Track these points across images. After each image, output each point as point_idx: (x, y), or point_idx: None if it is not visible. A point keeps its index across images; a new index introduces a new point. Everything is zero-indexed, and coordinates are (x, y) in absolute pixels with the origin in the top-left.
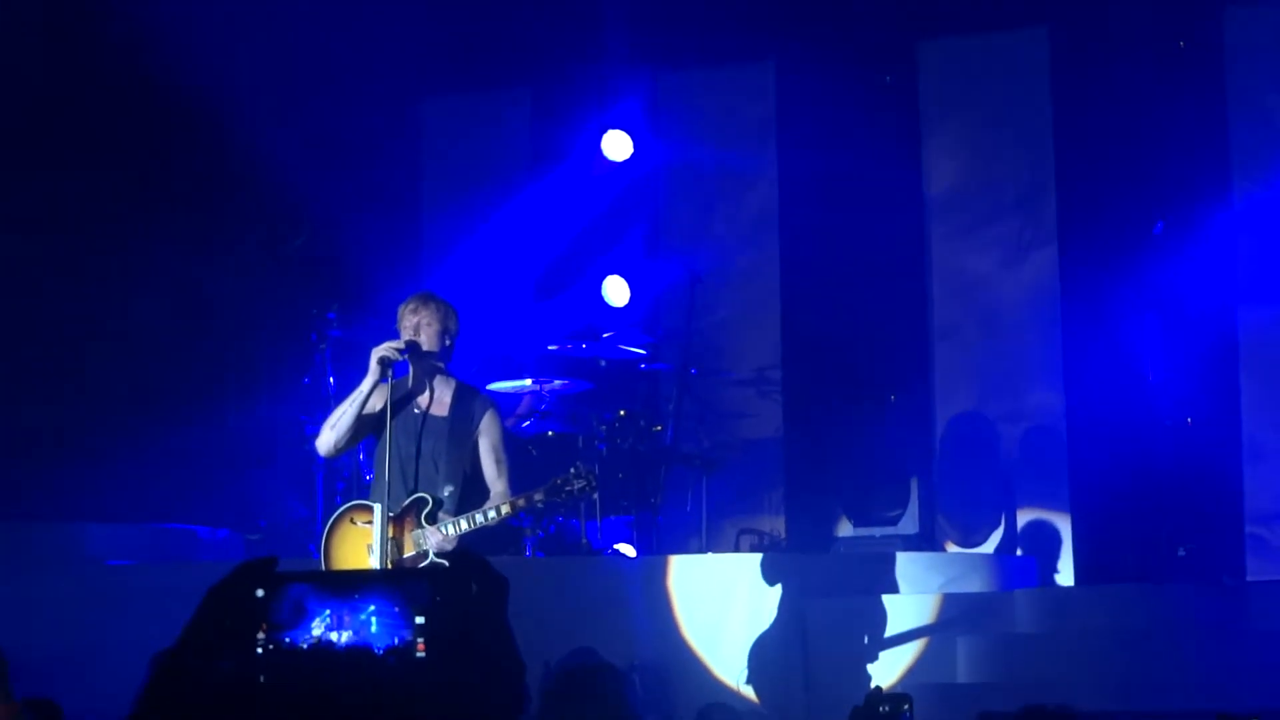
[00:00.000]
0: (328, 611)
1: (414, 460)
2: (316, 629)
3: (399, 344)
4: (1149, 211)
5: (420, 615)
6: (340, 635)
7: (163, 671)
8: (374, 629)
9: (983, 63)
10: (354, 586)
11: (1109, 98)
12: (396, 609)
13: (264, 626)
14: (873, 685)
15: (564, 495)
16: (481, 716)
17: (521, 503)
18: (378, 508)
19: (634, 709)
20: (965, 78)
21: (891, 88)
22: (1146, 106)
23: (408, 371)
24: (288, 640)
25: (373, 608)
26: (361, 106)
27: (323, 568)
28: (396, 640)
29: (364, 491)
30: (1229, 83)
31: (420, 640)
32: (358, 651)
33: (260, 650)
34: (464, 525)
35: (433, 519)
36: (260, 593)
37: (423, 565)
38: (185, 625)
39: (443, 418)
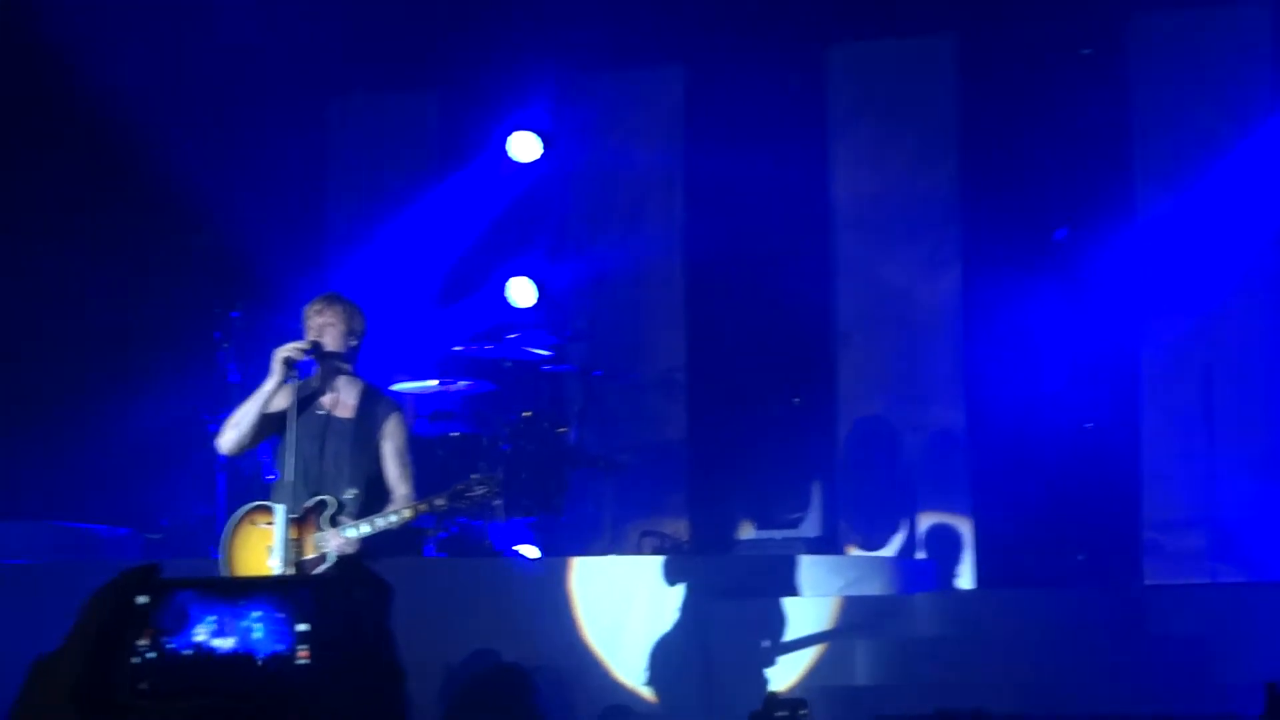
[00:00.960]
0: (212, 618)
1: (317, 462)
2: (200, 635)
3: (303, 344)
4: (1054, 218)
5: (303, 623)
6: (224, 642)
7: (39, 677)
8: (258, 635)
9: (891, 68)
10: (239, 593)
11: (1015, 104)
12: (281, 616)
13: (148, 633)
14: (769, 689)
15: (466, 501)
16: None
17: (424, 507)
18: (279, 509)
19: (540, 711)
20: (873, 83)
21: (800, 92)
22: (1052, 114)
23: (313, 372)
24: (171, 646)
25: (257, 614)
26: (267, 104)
27: (222, 568)
28: (280, 647)
29: (265, 492)
30: (1134, 91)
31: (303, 648)
32: (240, 658)
33: (142, 657)
34: (366, 529)
35: (334, 522)
36: (142, 599)
37: (321, 569)
38: (68, 631)
39: (348, 420)
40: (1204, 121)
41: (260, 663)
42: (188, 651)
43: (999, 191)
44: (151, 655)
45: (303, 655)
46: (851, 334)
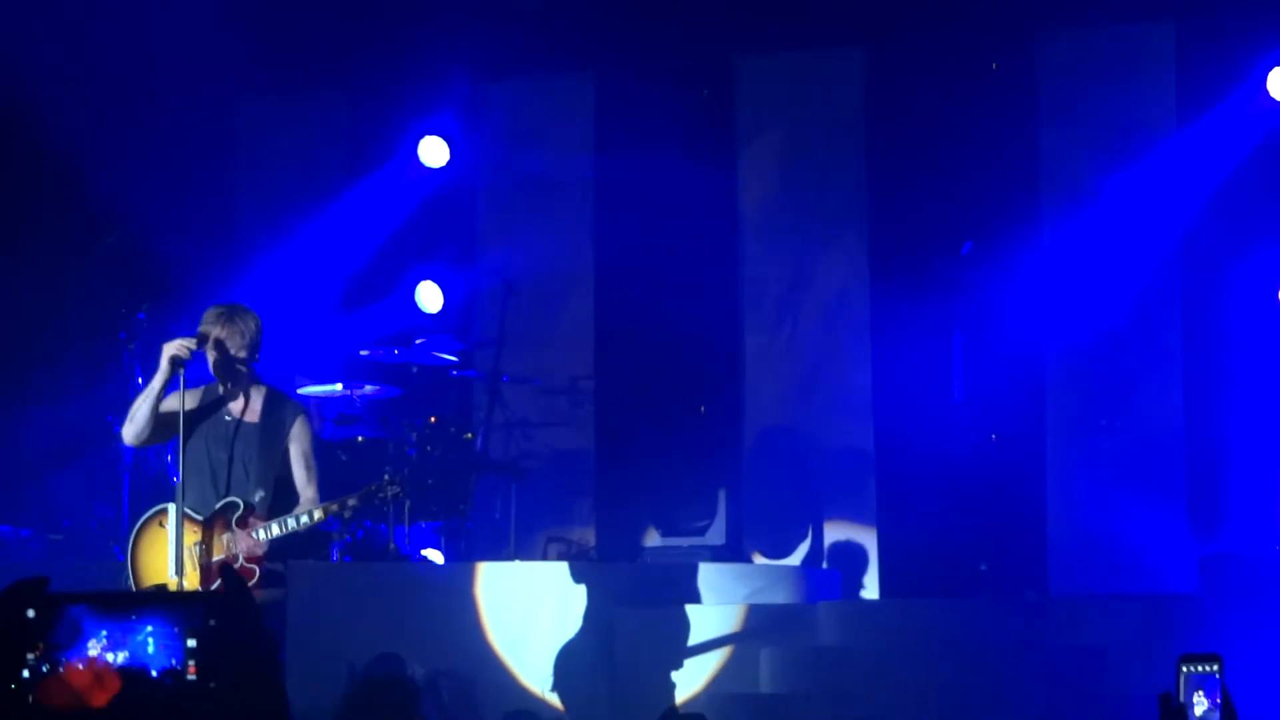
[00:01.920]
0: (104, 632)
1: (225, 466)
2: (93, 649)
3: (191, 341)
4: (960, 231)
5: (192, 638)
6: (116, 656)
7: None
8: (150, 650)
9: (799, 79)
10: (131, 607)
11: (923, 118)
12: (175, 629)
13: (39, 647)
14: (670, 703)
15: (377, 501)
16: None
17: (335, 508)
18: (172, 510)
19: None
20: (781, 94)
21: (709, 101)
22: (960, 127)
23: (213, 376)
24: (61, 660)
25: (150, 628)
26: (176, 104)
27: (129, 571)
28: (173, 662)
29: (171, 494)
30: (1041, 106)
31: (191, 663)
32: (133, 672)
33: (30, 671)
34: (275, 530)
35: (243, 523)
36: (31, 613)
37: (235, 566)
38: None
39: (254, 424)
40: (1109, 138)
41: (153, 676)
42: (79, 665)
43: (906, 203)
44: (44, 668)
45: (191, 671)
46: (757, 343)
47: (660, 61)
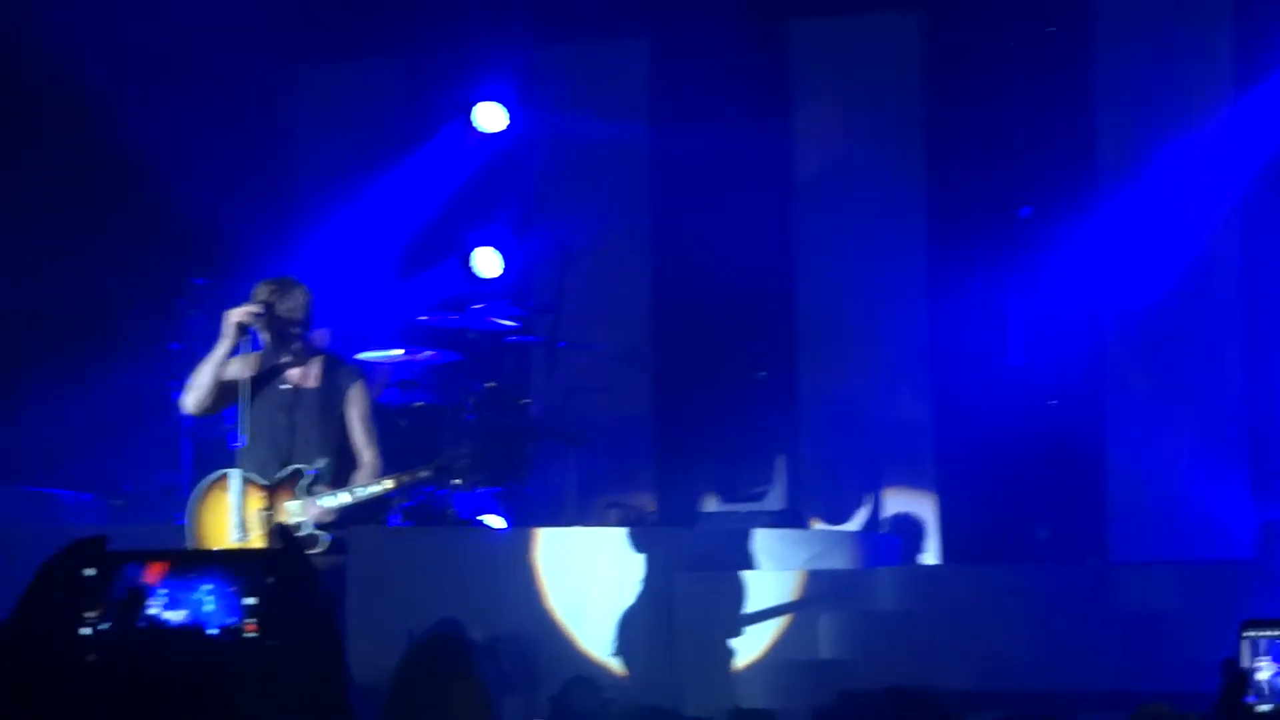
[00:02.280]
0: (164, 591)
1: (287, 433)
2: (152, 608)
3: (255, 307)
4: (1017, 195)
5: (250, 596)
6: (175, 615)
7: None
8: (209, 609)
9: (855, 44)
10: (190, 566)
11: (980, 82)
12: (232, 589)
13: (99, 606)
14: (731, 668)
15: (450, 474)
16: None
17: (406, 478)
18: (235, 477)
19: (489, 687)
20: (837, 58)
21: (764, 66)
22: (1017, 91)
23: (262, 347)
24: (122, 619)
25: (208, 587)
26: (234, 73)
27: (189, 535)
28: (231, 620)
29: (231, 459)
30: (1097, 70)
31: (250, 621)
32: (191, 631)
33: (91, 630)
34: (346, 498)
35: (309, 491)
36: (89, 572)
37: (250, 546)
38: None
39: (313, 389)
40: (1166, 102)
41: (211, 635)
42: (140, 624)
43: (963, 168)
44: (103, 627)
45: (250, 629)
46: (814, 309)
47: (715, 26)
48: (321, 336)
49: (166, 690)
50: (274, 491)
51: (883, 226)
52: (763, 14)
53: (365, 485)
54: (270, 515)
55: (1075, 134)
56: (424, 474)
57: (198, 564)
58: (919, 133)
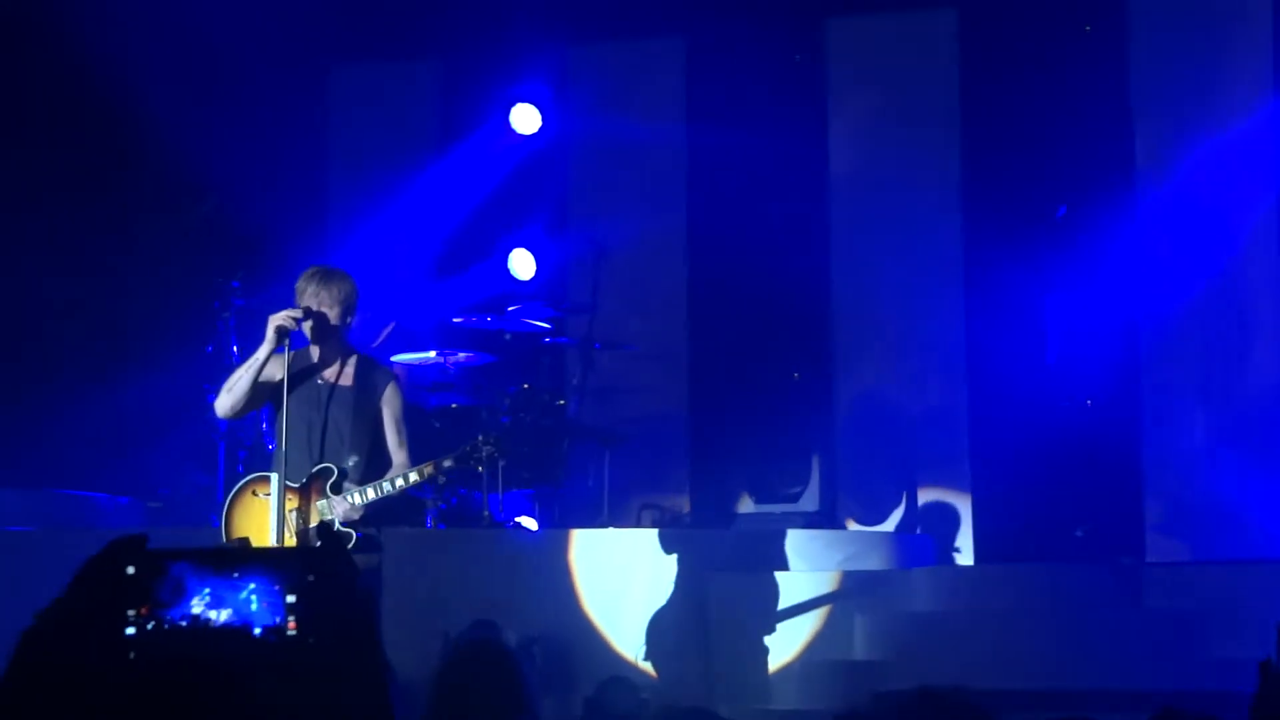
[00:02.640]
0: (206, 590)
1: (319, 431)
2: (196, 607)
3: (297, 312)
4: (1053, 194)
5: (292, 594)
6: (219, 614)
7: (28, 648)
8: (254, 607)
9: (892, 42)
10: (233, 564)
11: (1016, 80)
12: (276, 587)
13: (144, 605)
14: (766, 669)
15: (472, 462)
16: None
17: (430, 469)
18: (274, 478)
19: (529, 689)
20: (874, 57)
21: (800, 65)
22: (1053, 90)
23: (308, 343)
24: (166, 617)
25: (252, 586)
26: (269, 74)
27: (224, 539)
28: (275, 619)
29: (266, 462)
30: (1134, 68)
31: (291, 619)
32: (235, 630)
33: (134, 628)
34: (371, 494)
35: (338, 489)
36: (130, 570)
37: (286, 545)
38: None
39: (347, 388)
40: (1204, 98)
41: (254, 634)
42: (183, 623)
43: (999, 166)
44: (148, 626)
45: (291, 626)
46: (850, 309)
47: (751, 25)
48: (386, 331)
49: (209, 688)
50: (304, 492)
51: (918, 225)
52: (799, 12)
53: (390, 479)
54: (301, 515)
55: (1111, 132)
56: (447, 463)
57: (240, 562)
58: (955, 131)
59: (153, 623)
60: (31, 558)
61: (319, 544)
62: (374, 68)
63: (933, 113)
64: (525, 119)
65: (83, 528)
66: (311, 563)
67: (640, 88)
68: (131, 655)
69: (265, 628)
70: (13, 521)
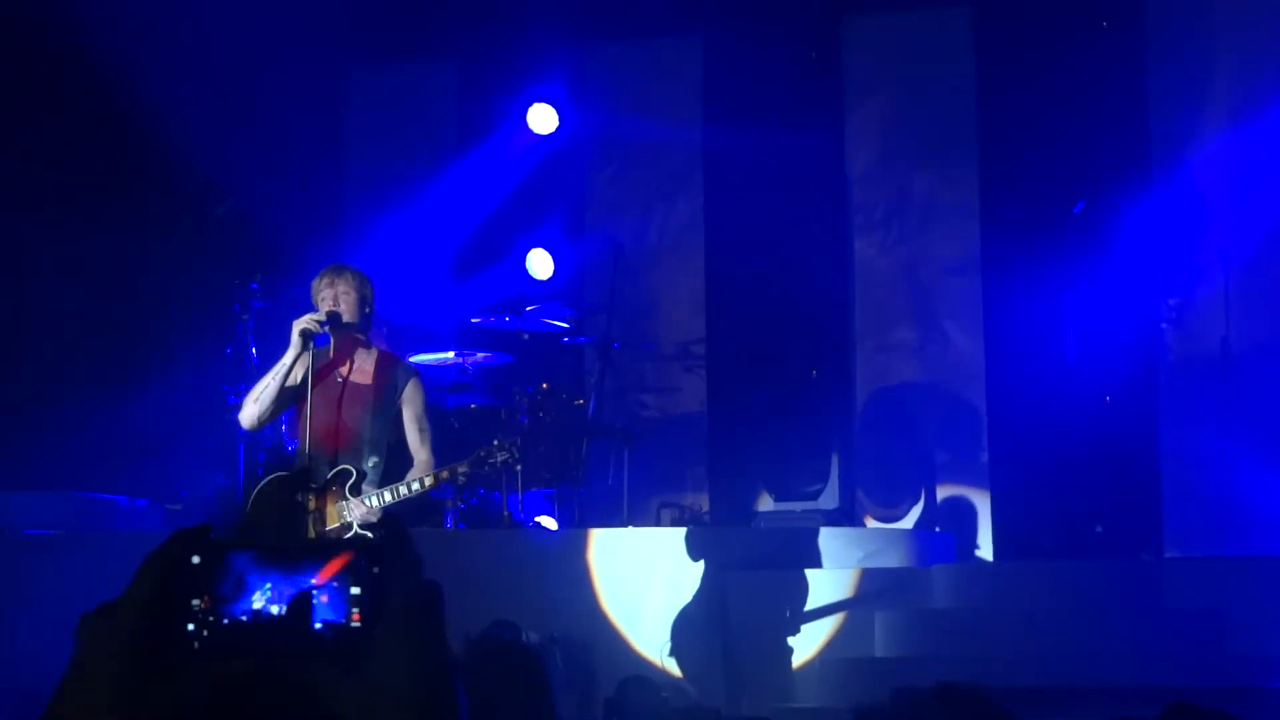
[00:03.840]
0: (268, 584)
1: (337, 430)
2: (257, 602)
3: (320, 315)
4: (1071, 191)
5: (356, 586)
6: (281, 608)
7: (96, 635)
8: (316, 600)
9: (908, 40)
10: (294, 558)
11: (1032, 77)
12: (336, 582)
13: (205, 598)
14: (787, 667)
15: (487, 467)
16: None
17: (445, 474)
18: (290, 481)
19: (550, 689)
20: (890, 54)
21: (816, 63)
22: (1069, 86)
23: (329, 342)
24: (228, 610)
25: (314, 580)
26: (285, 76)
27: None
28: (339, 613)
29: (286, 464)
30: (1150, 64)
31: (356, 610)
32: (298, 624)
33: (196, 621)
34: (388, 497)
35: (356, 491)
36: (196, 559)
37: (348, 537)
38: (124, 589)
39: (366, 386)
40: (1222, 94)
41: (317, 627)
42: (244, 616)
43: (1017, 164)
44: (210, 618)
45: (355, 618)
46: (868, 307)
47: (767, 23)
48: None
49: (273, 682)
50: (322, 493)
51: (936, 222)
52: (815, 10)
53: (407, 483)
54: (319, 517)
55: (1129, 128)
56: (462, 469)
57: (303, 555)
58: (972, 128)
59: (214, 614)
60: (53, 560)
61: (383, 535)
62: (391, 69)
63: (949, 109)
64: (542, 119)
65: (104, 530)
66: (376, 554)
67: (657, 86)
68: (195, 646)
69: (328, 622)
70: (34, 524)
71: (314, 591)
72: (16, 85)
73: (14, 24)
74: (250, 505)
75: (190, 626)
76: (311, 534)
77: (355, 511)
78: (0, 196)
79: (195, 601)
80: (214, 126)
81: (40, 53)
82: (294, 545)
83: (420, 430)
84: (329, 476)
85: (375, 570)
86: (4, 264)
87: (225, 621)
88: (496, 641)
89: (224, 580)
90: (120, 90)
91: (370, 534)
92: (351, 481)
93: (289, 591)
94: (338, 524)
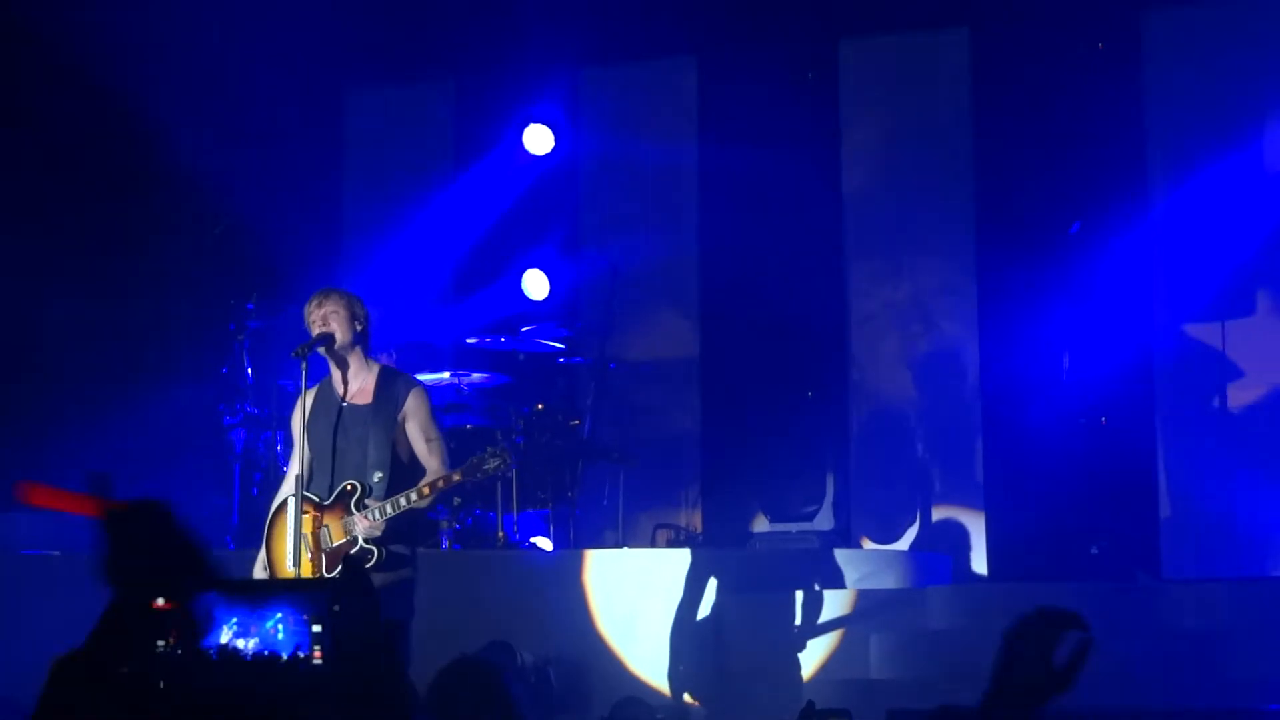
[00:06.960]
0: (234, 619)
1: (339, 452)
2: (224, 636)
3: (309, 343)
4: (1067, 212)
5: (317, 624)
6: (247, 643)
7: (60, 675)
8: (280, 636)
9: (904, 62)
10: (261, 595)
11: (1029, 98)
12: (303, 617)
13: (172, 634)
14: (782, 688)
15: (481, 474)
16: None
17: (440, 483)
18: (290, 500)
19: (518, 710)
20: (886, 76)
21: (812, 85)
22: (1066, 107)
23: (329, 370)
24: (195, 647)
25: (279, 615)
26: (283, 97)
27: (264, 558)
28: (300, 648)
29: (279, 483)
30: (1147, 86)
31: (317, 648)
32: (264, 659)
33: (165, 657)
34: (389, 510)
35: (360, 506)
36: (160, 601)
37: (354, 551)
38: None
39: (365, 406)
40: (1218, 115)
41: (285, 662)
42: (213, 652)
43: (1013, 185)
44: (176, 654)
45: (317, 656)
46: (863, 327)
47: (764, 45)
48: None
49: (237, 716)
50: (330, 510)
51: (932, 243)
52: (812, 32)
53: (405, 494)
54: (326, 533)
55: (1125, 149)
56: (457, 477)
57: (266, 593)
58: (968, 150)
59: (180, 651)
60: (51, 581)
61: (340, 575)
62: (388, 90)
63: (945, 131)
64: (538, 139)
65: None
66: (335, 592)
67: (653, 107)
68: (161, 685)
69: (291, 657)
70: (28, 545)
71: (274, 625)
72: (24, 102)
73: (20, 44)
74: (267, 524)
75: (157, 663)
76: (318, 551)
77: (359, 525)
78: (3, 217)
79: (160, 642)
80: (214, 146)
81: (43, 72)
82: (258, 582)
83: (428, 440)
84: (336, 493)
85: (335, 608)
86: (3, 285)
87: (193, 657)
88: (466, 665)
89: (191, 618)
90: (122, 109)
91: (374, 548)
92: (355, 497)
93: (255, 626)
94: (345, 539)
